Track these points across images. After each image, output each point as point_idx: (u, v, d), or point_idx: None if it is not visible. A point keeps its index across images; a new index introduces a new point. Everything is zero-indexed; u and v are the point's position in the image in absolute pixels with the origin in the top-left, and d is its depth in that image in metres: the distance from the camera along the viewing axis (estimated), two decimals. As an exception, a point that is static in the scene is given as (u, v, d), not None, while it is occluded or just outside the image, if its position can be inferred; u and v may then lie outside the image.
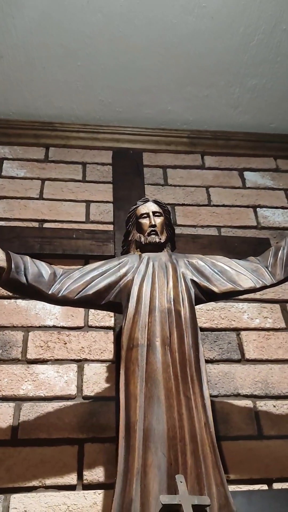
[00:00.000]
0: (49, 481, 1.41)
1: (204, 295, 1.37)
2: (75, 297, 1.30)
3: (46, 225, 2.03)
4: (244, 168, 2.41)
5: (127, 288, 1.33)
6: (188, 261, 1.44)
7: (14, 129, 2.32)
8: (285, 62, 2.23)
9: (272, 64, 2.24)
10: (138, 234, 1.51)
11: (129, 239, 1.54)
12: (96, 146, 2.36)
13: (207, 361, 1.71)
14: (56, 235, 1.94)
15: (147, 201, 1.57)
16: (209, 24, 2.07)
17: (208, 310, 1.86)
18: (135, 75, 2.22)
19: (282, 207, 2.27)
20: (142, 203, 1.56)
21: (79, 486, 1.41)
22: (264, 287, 1.36)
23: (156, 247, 1.48)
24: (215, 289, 1.36)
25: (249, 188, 2.33)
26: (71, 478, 1.42)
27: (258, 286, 1.35)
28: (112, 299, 1.33)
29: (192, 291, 1.36)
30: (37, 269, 1.29)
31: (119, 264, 1.40)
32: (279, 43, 2.16)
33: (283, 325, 1.85)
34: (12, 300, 1.79)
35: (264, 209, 2.25)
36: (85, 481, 1.41)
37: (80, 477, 1.43)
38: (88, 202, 2.15)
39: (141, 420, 1.08)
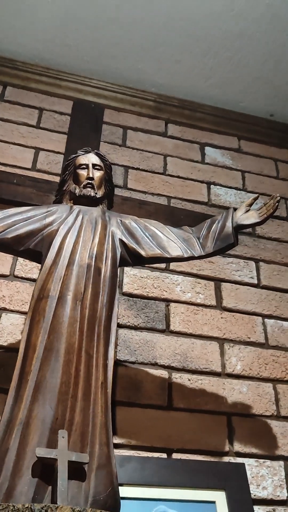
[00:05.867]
0: None
1: (131, 257, 1.33)
2: (-9, 239, 1.23)
3: (-12, 165, 1.92)
4: (206, 143, 2.35)
5: (49, 238, 1.26)
6: (121, 221, 1.38)
7: (-29, 60, 2.16)
8: (263, 39, 2.16)
9: (251, 39, 2.16)
10: (73, 185, 1.43)
11: (64, 188, 1.46)
12: (57, 94, 2.24)
13: (131, 327, 1.68)
14: (-4, 177, 1.83)
15: (88, 151, 1.49)
16: (191, -16, 1.97)
17: (142, 277, 1.82)
18: (108, 25, 2.10)
19: (236, 188, 2.24)
20: (83, 153, 1.48)
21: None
22: (192, 257, 1.33)
23: (91, 202, 1.41)
24: (142, 252, 1.31)
25: (207, 163, 2.28)
26: None
27: (185, 255, 1.32)
28: (32, 247, 1.26)
29: (119, 251, 1.31)
30: None
31: (47, 212, 1.33)
32: (261, 17, 2.08)
33: (213, 302, 1.84)
34: None
35: (218, 187, 2.21)
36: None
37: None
38: (38, 149, 2.04)
39: (35, 372, 1.04)
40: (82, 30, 2.11)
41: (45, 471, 0.92)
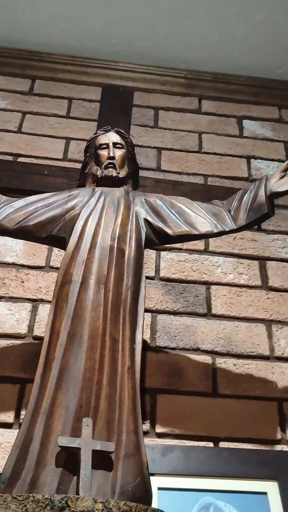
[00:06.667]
0: (-15, 417, 1.36)
1: (157, 236, 1.26)
2: (14, 227, 1.21)
3: (20, 159, 1.92)
4: (243, 116, 2.22)
5: (71, 223, 1.22)
6: (145, 200, 1.31)
7: (0, 57, 2.17)
8: (298, -4, 1.99)
9: (284, -3, 2.00)
10: (95, 167, 1.38)
11: (86, 171, 1.41)
12: (84, 81, 2.20)
13: (170, 313, 1.62)
14: (27, 170, 1.82)
15: (108, 130, 1.43)
16: None
17: (180, 261, 1.74)
18: (129, 4, 2.03)
19: (279, 160, 2.09)
20: (102, 132, 1.43)
21: (15, 425, 1.37)
22: (223, 232, 1.24)
23: (114, 182, 1.35)
24: (169, 231, 1.24)
25: (245, 137, 2.15)
26: (8, 416, 1.38)
27: (215, 231, 1.23)
28: (55, 233, 1.23)
29: (144, 231, 1.24)
30: (-27, 194, 1.20)
31: (69, 197, 1.29)
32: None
33: (258, 283, 1.72)
34: (-27, 234, 1.71)
35: (259, 160, 2.08)
36: (21, 421, 1.36)
37: (17, 416, 1.38)
38: (68, 139, 2.02)
39: (59, 359, 1.00)
40: (104, 12, 2.06)
41: (69, 460, 0.88)
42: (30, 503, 0.77)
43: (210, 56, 2.20)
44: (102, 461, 0.89)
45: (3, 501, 0.79)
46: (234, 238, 1.81)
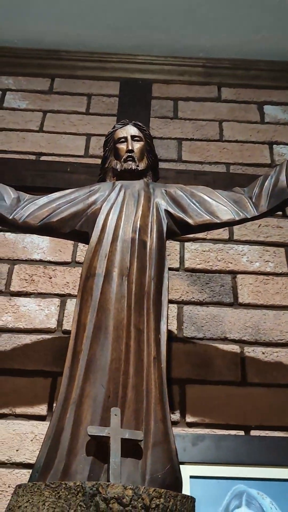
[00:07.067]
0: (19, 410, 1.41)
1: (179, 227, 1.26)
2: (38, 224, 1.23)
3: (43, 158, 1.95)
4: (264, 101, 2.18)
5: (93, 217, 1.24)
6: (166, 191, 1.31)
7: (19, 58, 2.21)
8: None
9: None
10: (115, 161, 1.39)
11: (106, 166, 1.43)
12: (103, 77, 2.21)
13: (195, 303, 1.62)
14: (50, 168, 1.86)
15: (126, 124, 1.44)
16: None
17: (204, 251, 1.74)
18: (145, -5, 2.02)
19: (303, 144, 2.05)
20: (120, 126, 1.43)
21: (48, 417, 1.40)
22: (245, 219, 1.22)
23: (134, 175, 1.36)
24: (190, 220, 1.24)
25: (267, 123, 2.12)
26: (41, 409, 1.41)
27: (237, 218, 1.22)
28: (78, 228, 1.25)
29: (165, 222, 1.24)
30: (-2, 192, 1.23)
31: (90, 192, 1.31)
32: None
33: (285, 270, 1.70)
34: (1, 233, 1.75)
35: (281, 146, 2.04)
36: (54, 413, 1.39)
37: (50, 408, 1.41)
38: (89, 136, 2.04)
39: (86, 351, 1.02)
40: (119, 6, 2.06)
41: (100, 449, 0.90)
42: (62, 490, 0.80)
43: (228, 43, 2.17)
44: (131, 449, 0.91)
45: (37, 489, 0.82)
46: (259, 226, 1.79)
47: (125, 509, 0.77)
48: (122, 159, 1.37)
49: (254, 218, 1.23)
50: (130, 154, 1.36)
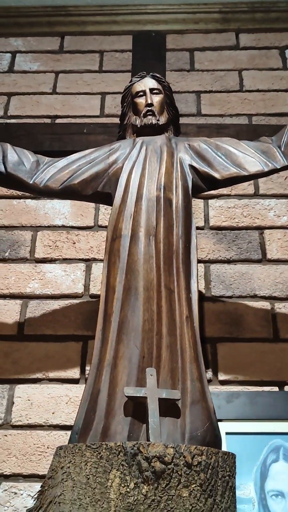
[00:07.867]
0: (52, 374, 1.42)
1: (204, 182, 1.21)
2: (59, 187, 1.20)
3: (58, 121, 1.90)
4: (286, 45, 2.05)
5: (115, 177, 1.20)
6: (189, 145, 1.26)
7: (26, 17, 2.12)
8: None
9: None
10: (134, 117, 1.33)
11: (125, 122, 1.37)
12: (115, 31, 2.11)
13: (223, 261, 1.58)
14: (66, 131, 1.80)
15: (143, 76, 1.37)
16: None
17: (229, 207, 1.68)
18: None
19: None
20: (138, 79, 1.36)
21: (82, 380, 1.42)
22: (274, 170, 1.17)
23: (154, 130, 1.30)
24: (216, 174, 1.19)
25: (290, 69, 2.00)
26: (74, 372, 1.42)
27: (266, 169, 1.16)
28: (100, 189, 1.21)
29: (190, 178, 1.19)
30: (17, 157, 1.20)
31: (110, 151, 1.26)
32: None
33: (314, 222, 1.64)
34: (22, 200, 1.73)
35: (307, 92, 1.94)
36: (87, 375, 1.40)
37: (83, 371, 1.43)
38: (103, 94, 1.96)
39: (117, 313, 1.01)
40: None
41: (138, 409, 0.90)
42: (103, 450, 0.80)
43: (245, -16, 2.03)
44: (169, 408, 0.90)
45: (78, 450, 0.82)
46: (285, 178, 1.72)
47: (167, 467, 0.77)
48: (142, 114, 1.31)
49: (284, 168, 1.17)
50: (150, 108, 1.30)
